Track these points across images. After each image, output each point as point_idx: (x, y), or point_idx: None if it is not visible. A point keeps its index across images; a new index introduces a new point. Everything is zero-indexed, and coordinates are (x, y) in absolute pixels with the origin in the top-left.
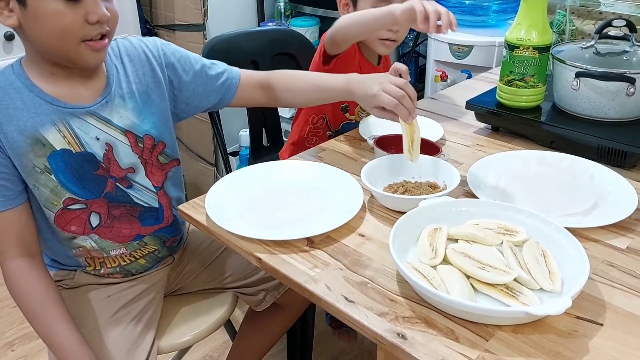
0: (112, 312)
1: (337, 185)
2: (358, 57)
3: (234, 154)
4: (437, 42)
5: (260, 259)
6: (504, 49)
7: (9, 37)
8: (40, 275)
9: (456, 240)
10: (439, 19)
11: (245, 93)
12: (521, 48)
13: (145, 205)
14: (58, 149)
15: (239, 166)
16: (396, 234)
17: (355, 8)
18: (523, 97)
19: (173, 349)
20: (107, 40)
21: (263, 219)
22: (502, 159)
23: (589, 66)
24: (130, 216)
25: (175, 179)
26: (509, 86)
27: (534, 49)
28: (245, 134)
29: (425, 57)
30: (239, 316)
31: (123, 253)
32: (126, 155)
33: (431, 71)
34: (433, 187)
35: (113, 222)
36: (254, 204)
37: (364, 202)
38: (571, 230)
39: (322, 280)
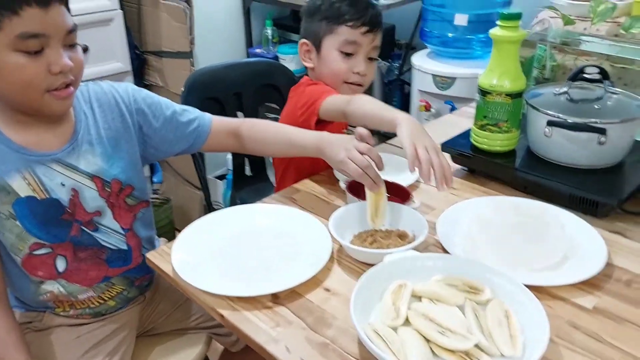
0: (81, 352)
1: (307, 233)
2: None
3: (222, 177)
4: (420, 73)
5: (222, 315)
6: (477, 93)
7: (84, 50)
8: (3, 317)
9: (420, 298)
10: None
11: (216, 140)
12: (494, 94)
13: (113, 247)
14: (23, 196)
15: (225, 191)
16: (359, 293)
17: (318, 53)
18: (497, 141)
19: None
20: (72, 88)
21: (229, 270)
22: (475, 205)
23: (561, 114)
24: (97, 259)
25: (145, 220)
26: (483, 130)
27: (506, 95)
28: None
29: (410, 85)
30: (213, 357)
31: (91, 296)
32: (92, 200)
33: (415, 101)
34: (402, 237)
35: (80, 264)
36: (221, 253)
37: (332, 252)
38: (538, 288)
39: (283, 340)
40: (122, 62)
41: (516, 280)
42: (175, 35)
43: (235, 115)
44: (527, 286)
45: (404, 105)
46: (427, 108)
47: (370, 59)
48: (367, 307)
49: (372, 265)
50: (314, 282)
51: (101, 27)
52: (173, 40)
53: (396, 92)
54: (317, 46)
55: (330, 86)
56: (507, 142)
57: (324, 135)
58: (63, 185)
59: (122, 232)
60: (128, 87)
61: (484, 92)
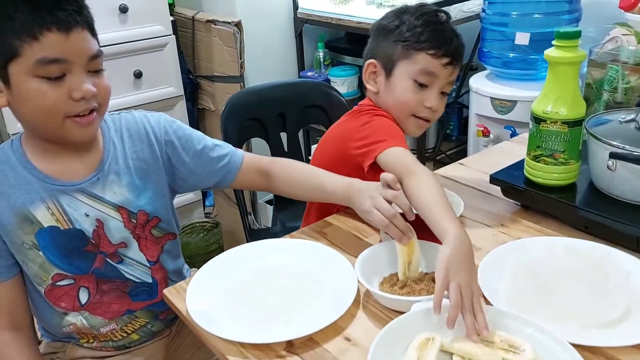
0: None
1: (332, 273)
2: None
3: (271, 201)
4: (478, 96)
5: None
6: (530, 121)
7: (138, 75)
8: (23, 348)
9: (450, 356)
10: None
11: (246, 177)
12: (548, 122)
13: (137, 280)
14: (46, 226)
15: (274, 215)
16: (379, 345)
17: (387, 78)
18: (553, 174)
19: None
20: (95, 115)
21: (243, 313)
22: (525, 246)
23: (627, 146)
24: (120, 291)
25: (172, 252)
26: (537, 162)
27: (562, 123)
28: None
29: (468, 109)
30: None
31: (114, 329)
32: (117, 231)
33: (473, 126)
34: None
35: (102, 297)
36: (236, 294)
37: (358, 295)
38: (592, 348)
39: None
40: (175, 86)
41: (563, 340)
42: (226, 59)
43: (278, 136)
44: (579, 346)
45: (462, 130)
46: (486, 133)
47: (443, 93)
48: (392, 357)
49: (401, 313)
50: (334, 329)
51: (155, 53)
52: (224, 64)
53: (453, 116)
54: (388, 70)
55: (394, 116)
56: (565, 175)
57: (354, 183)
58: (87, 215)
59: (148, 264)
60: (160, 118)
61: (537, 120)
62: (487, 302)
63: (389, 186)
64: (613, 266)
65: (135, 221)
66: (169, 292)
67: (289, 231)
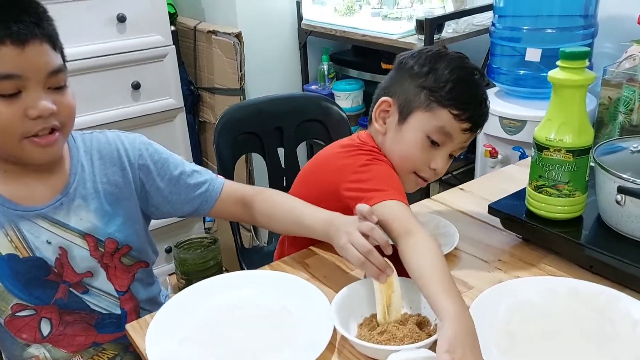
0: None
1: (309, 311)
2: None
3: None
4: None
5: None
6: (532, 148)
7: (136, 87)
8: None
9: None
10: None
11: (225, 207)
12: (551, 150)
13: (104, 311)
14: (4, 254)
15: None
16: None
17: (400, 123)
18: (557, 207)
19: None
20: (57, 135)
21: (206, 354)
22: (523, 286)
23: (637, 179)
24: (85, 323)
25: (145, 279)
26: (539, 193)
27: (567, 151)
28: None
29: None
30: None
31: None
32: (83, 260)
33: (480, 145)
34: (422, 326)
35: (66, 329)
36: (202, 330)
37: (334, 338)
38: None
39: None
40: (175, 98)
41: None
42: (226, 71)
43: (275, 151)
44: None
45: (470, 149)
46: (493, 154)
47: (451, 155)
48: None
49: None
50: None
51: (154, 63)
52: (224, 76)
53: None
54: (403, 115)
55: (393, 164)
56: (570, 208)
57: (334, 218)
58: (49, 243)
59: (117, 294)
60: (136, 140)
61: (539, 147)
62: None
63: (365, 219)
64: (620, 313)
65: (102, 250)
66: (132, 328)
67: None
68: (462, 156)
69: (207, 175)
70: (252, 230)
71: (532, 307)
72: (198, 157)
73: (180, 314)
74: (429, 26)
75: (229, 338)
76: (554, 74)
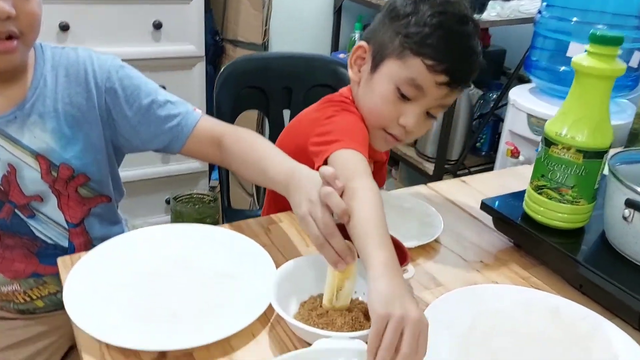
0: None
1: (251, 279)
2: None
3: None
4: (514, 110)
5: None
6: (541, 142)
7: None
8: None
9: None
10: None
11: (197, 145)
12: (560, 147)
13: (49, 241)
14: None
15: (257, 195)
16: None
17: (372, 71)
18: (556, 213)
19: None
20: (15, 43)
21: (125, 306)
22: (499, 295)
23: None
24: (27, 250)
25: (105, 217)
26: (539, 194)
27: (578, 151)
28: None
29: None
30: None
31: (16, 290)
32: (33, 182)
33: (503, 143)
34: (369, 316)
35: (5, 252)
36: (129, 281)
37: (270, 312)
38: None
39: None
40: (196, 45)
41: None
42: (250, 24)
43: (280, 113)
44: None
45: (493, 146)
46: (515, 154)
47: (429, 114)
48: None
49: (309, 345)
50: (222, 348)
51: (179, 5)
52: (248, 29)
53: (487, 129)
54: (376, 62)
55: (364, 118)
56: (571, 217)
57: (296, 172)
58: None
59: (66, 225)
60: (108, 61)
61: (547, 142)
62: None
63: (328, 184)
64: (601, 343)
65: (55, 175)
66: (62, 262)
67: None
68: (483, 152)
69: (181, 108)
70: (254, 195)
71: (502, 320)
72: (212, 111)
73: (113, 259)
74: (471, 2)
75: (154, 293)
76: (579, 59)
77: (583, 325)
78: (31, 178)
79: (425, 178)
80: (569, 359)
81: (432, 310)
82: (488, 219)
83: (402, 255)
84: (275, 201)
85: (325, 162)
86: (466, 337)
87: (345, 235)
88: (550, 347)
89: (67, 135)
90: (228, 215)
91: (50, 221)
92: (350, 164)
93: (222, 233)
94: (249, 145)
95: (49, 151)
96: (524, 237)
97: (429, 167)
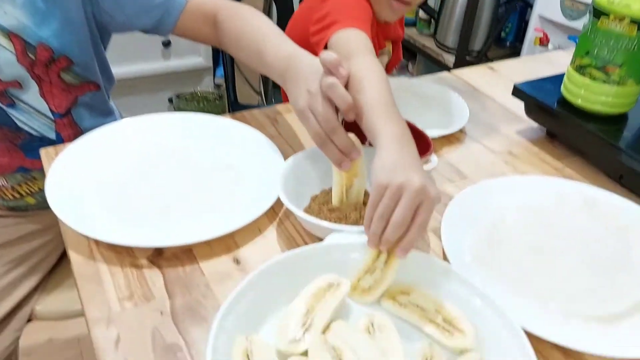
0: None
1: (257, 171)
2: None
3: None
4: None
5: (71, 262)
6: (588, 13)
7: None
8: None
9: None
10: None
11: (190, 24)
12: (611, 17)
13: (34, 133)
14: None
15: (265, 90)
16: (257, 282)
17: None
18: (600, 96)
19: (56, 316)
20: None
21: (116, 198)
22: (529, 187)
23: None
24: (10, 143)
25: (95, 107)
26: (581, 74)
27: (632, 22)
28: None
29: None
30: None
31: (3, 186)
32: (8, 65)
33: (532, 30)
34: None
35: None
36: (120, 171)
37: (279, 206)
38: (568, 351)
39: (120, 324)
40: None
41: (522, 333)
42: None
43: None
44: (549, 343)
45: (519, 36)
46: (544, 42)
47: None
48: (270, 307)
49: (321, 241)
50: (225, 244)
51: None
52: None
53: (513, 15)
54: None
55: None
56: (615, 101)
57: (295, 58)
58: None
59: (52, 116)
60: None
61: (597, 12)
62: (444, 255)
63: (330, 72)
64: None
65: (33, 57)
66: (45, 153)
67: None
68: (508, 43)
69: None
70: (262, 92)
71: (532, 213)
72: None
73: (102, 149)
74: None
75: (148, 186)
76: None
77: (622, 217)
78: (6, 60)
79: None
80: (606, 254)
81: (455, 205)
82: (517, 106)
83: (425, 144)
84: None
85: (326, 49)
86: (493, 233)
87: (348, 130)
88: (586, 241)
89: (42, 9)
90: (236, 111)
91: (33, 110)
92: (351, 42)
93: (224, 123)
94: (246, 23)
95: (22, 29)
96: (559, 124)
97: (449, 59)
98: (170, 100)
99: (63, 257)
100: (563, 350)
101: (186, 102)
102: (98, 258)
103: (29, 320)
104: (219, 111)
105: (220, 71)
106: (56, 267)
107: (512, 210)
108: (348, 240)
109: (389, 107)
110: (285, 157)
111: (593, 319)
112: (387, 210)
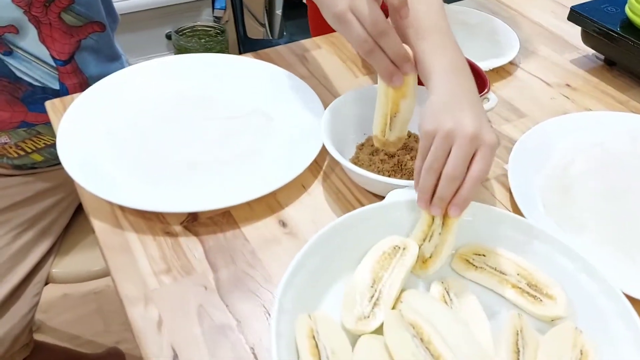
0: None
1: (292, 118)
2: None
3: None
4: None
5: (95, 232)
6: None
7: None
8: None
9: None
10: None
11: None
12: None
13: (36, 84)
14: None
15: (281, 25)
16: (316, 248)
17: None
18: None
19: (76, 278)
20: None
21: (138, 159)
22: (595, 123)
23: None
24: (10, 95)
25: (101, 50)
26: None
27: None
28: None
29: None
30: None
31: (6, 143)
32: (1, 7)
33: None
34: None
35: None
36: (135, 125)
37: (321, 158)
38: None
39: (160, 302)
40: None
41: (624, 299)
42: None
43: None
44: None
45: None
46: None
47: None
48: (331, 277)
49: (377, 197)
50: (267, 204)
51: None
52: None
53: None
54: None
55: None
56: None
57: None
58: None
59: (53, 63)
60: None
61: None
62: (515, 208)
63: None
64: None
65: None
66: (51, 106)
67: None
68: None
69: None
70: (266, 25)
71: (603, 154)
72: None
73: (114, 100)
74: None
75: (171, 139)
76: None
77: None
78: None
79: None
80: None
81: (519, 148)
82: (571, 34)
83: (481, 81)
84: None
85: None
86: (562, 178)
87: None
88: None
89: None
90: (246, 46)
91: (33, 58)
92: None
93: (249, 64)
94: None
95: None
96: (622, 50)
97: None
98: (168, 37)
99: (76, 215)
100: None
101: (186, 37)
102: (125, 226)
103: (46, 283)
104: (223, 47)
105: (219, 3)
106: (70, 227)
107: (581, 151)
108: (412, 196)
109: (444, 35)
110: (322, 100)
111: None
112: (436, 162)
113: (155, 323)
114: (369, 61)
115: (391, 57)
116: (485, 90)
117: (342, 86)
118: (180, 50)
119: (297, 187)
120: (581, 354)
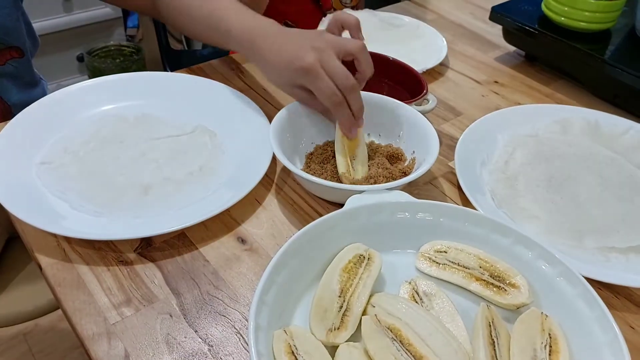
0: None
1: (237, 133)
2: None
3: None
4: None
5: (41, 267)
6: None
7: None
8: None
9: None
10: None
11: None
12: None
13: None
14: None
15: None
16: (285, 260)
17: None
18: (584, 12)
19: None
20: None
21: (82, 182)
22: (525, 116)
23: None
24: None
25: (20, 77)
26: None
27: None
28: None
29: None
30: None
31: None
32: None
33: None
34: (394, 159)
35: None
36: (76, 152)
37: (272, 170)
38: (615, 287)
39: (124, 336)
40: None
41: (583, 280)
42: None
43: None
44: (595, 282)
45: None
46: None
47: None
48: (302, 289)
49: (333, 204)
50: (224, 222)
51: None
52: None
53: None
54: None
55: None
56: (601, 16)
57: (268, 26)
58: None
59: None
60: None
61: None
62: (466, 204)
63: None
64: None
65: None
66: None
67: (221, 56)
68: None
69: None
70: (184, 40)
71: (537, 144)
72: None
73: (45, 127)
74: None
75: (114, 162)
76: None
77: (626, 139)
78: None
79: None
80: (618, 178)
81: (462, 146)
82: (492, 33)
83: (418, 83)
84: None
85: None
86: (506, 171)
87: None
88: (596, 168)
89: None
90: (170, 59)
91: None
92: None
93: (184, 80)
94: None
95: None
96: (541, 46)
97: None
98: (80, 59)
99: (5, 250)
100: (608, 286)
101: (100, 59)
102: (75, 259)
103: None
104: (140, 67)
105: (132, 21)
106: None
107: (518, 144)
108: (371, 201)
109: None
110: (264, 112)
111: (632, 250)
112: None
113: (121, 359)
114: (333, 112)
115: (353, 111)
116: (424, 92)
117: (283, 97)
118: (94, 72)
119: (251, 202)
120: (550, 337)
